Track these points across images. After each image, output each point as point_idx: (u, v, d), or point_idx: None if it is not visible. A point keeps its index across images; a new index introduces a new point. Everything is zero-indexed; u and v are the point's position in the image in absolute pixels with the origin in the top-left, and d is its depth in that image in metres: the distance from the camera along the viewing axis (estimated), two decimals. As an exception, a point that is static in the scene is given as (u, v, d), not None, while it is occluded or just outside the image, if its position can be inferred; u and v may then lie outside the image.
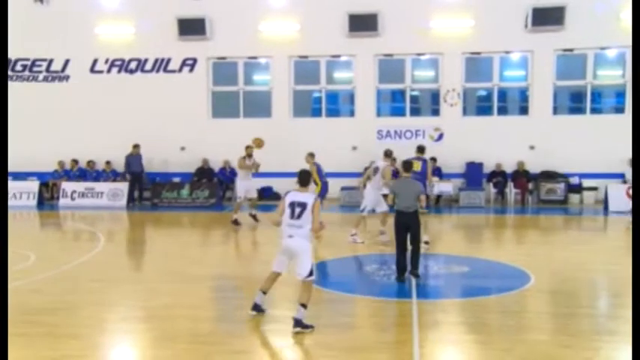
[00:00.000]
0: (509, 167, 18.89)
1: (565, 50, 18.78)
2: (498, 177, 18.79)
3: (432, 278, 9.38)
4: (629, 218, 15.60)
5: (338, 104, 21.98)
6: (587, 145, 18.21)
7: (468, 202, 17.96)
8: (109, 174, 20.08)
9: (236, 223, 14.32)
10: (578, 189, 18.48)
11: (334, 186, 16.74)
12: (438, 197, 18.43)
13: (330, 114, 20.98)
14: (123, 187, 19.19)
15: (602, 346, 6.26)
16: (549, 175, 18.61)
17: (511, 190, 18.55)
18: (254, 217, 14.49)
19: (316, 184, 12.31)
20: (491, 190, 18.74)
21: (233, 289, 8.83)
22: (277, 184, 18.85)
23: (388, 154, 12.27)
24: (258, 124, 19.82)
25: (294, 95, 20.48)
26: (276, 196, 18.51)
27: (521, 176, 18.55)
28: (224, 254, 11.99)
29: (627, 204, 16.50)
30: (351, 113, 20.69)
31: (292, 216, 6.74)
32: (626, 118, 18.34)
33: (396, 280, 8.80)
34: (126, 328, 6.97)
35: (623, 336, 6.56)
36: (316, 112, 21.18)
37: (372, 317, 7.37)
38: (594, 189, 18.33)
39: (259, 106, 20.69)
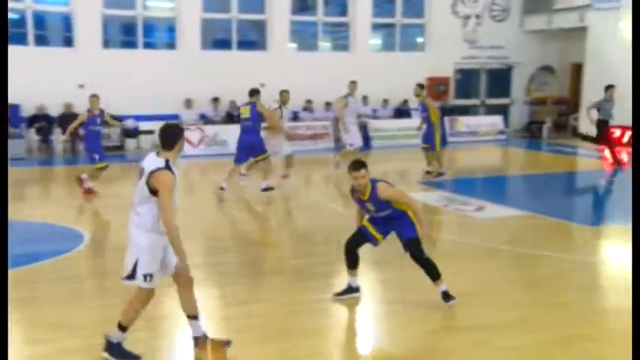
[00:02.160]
0: (54, 110, 18.12)
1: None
2: (41, 121, 17.92)
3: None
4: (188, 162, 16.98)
5: None
6: (142, 84, 18.81)
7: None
8: None
9: None
10: (135, 133, 19.07)
11: None
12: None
13: None
14: None
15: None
16: (102, 119, 18.64)
17: (58, 137, 17.92)
18: None
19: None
20: (34, 137, 17.79)
21: None
22: None
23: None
24: None
25: None
26: None
27: (69, 120, 18.03)
28: None
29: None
30: None
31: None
32: (178, 54, 19.67)
33: None
34: None
35: (209, 282, 7.08)
36: None
37: None
38: (151, 132, 19.19)
39: None
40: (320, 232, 9.71)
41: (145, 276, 4.92)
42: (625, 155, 17.19)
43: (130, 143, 19.09)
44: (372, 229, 6.38)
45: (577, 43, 21.22)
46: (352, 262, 6.54)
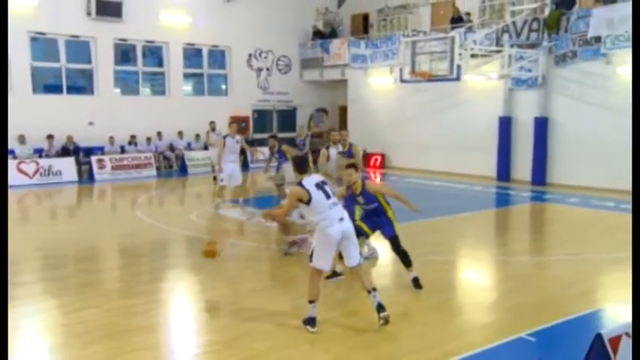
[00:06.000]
0: None
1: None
2: None
3: None
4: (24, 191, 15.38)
5: None
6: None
7: None
8: None
9: None
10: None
11: None
12: None
13: None
14: None
15: None
16: None
17: None
18: None
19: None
20: None
21: None
22: None
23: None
24: None
25: None
26: None
27: None
28: None
29: (18, 178, 16.23)
30: None
31: (328, 196, 5.39)
32: (9, 97, 17.71)
33: None
34: None
35: (47, 294, 6.49)
36: None
37: None
38: (-15, 166, 17.09)
39: None
40: (144, 245, 9.39)
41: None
42: (378, 175, 18.87)
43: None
44: (364, 227, 6.72)
45: (341, 91, 22.87)
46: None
